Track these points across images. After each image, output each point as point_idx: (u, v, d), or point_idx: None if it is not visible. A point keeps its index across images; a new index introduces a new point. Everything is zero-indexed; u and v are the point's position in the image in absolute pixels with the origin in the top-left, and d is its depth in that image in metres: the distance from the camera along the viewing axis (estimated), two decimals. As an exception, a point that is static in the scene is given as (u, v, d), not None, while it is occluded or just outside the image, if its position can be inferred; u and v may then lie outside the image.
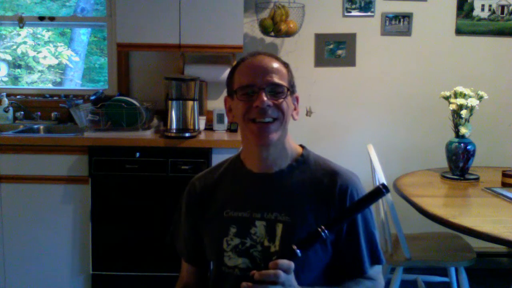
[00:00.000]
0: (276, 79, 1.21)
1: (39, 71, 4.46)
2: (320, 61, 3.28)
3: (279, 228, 1.21)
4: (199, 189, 1.35)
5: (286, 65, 1.28)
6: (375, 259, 1.25)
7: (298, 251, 1.06)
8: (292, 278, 1.08)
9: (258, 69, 1.22)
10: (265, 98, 1.18)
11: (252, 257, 1.22)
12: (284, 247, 1.18)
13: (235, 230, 1.24)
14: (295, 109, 1.30)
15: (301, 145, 1.35)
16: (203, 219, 1.32)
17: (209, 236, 1.30)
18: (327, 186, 1.23)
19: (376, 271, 1.27)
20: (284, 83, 1.23)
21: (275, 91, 1.21)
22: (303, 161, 1.29)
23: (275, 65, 1.24)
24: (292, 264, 1.06)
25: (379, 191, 1.10)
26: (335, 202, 1.21)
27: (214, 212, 1.30)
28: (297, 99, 1.31)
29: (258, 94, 1.19)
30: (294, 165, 1.28)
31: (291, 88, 1.26)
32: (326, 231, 1.07)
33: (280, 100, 1.21)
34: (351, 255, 1.23)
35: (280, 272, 1.04)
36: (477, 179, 2.54)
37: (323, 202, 1.22)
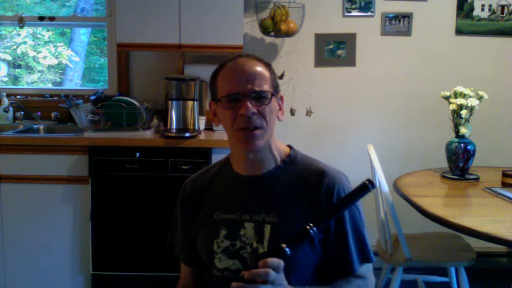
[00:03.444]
0: (259, 86, 1.20)
1: (39, 71, 4.47)
2: (320, 61, 3.28)
3: (267, 229, 1.21)
4: (189, 192, 1.36)
5: (268, 66, 1.27)
6: (365, 258, 1.25)
7: (287, 249, 1.05)
8: (282, 277, 1.07)
9: (241, 75, 1.21)
10: (249, 106, 1.18)
11: (242, 258, 1.22)
12: (272, 248, 1.17)
13: (225, 232, 1.25)
14: (280, 109, 1.29)
15: (288, 145, 1.35)
16: (195, 221, 1.33)
17: (200, 238, 1.31)
18: (314, 185, 1.23)
19: (366, 269, 1.27)
20: (267, 88, 1.22)
21: (259, 96, 1.20)
22: (290, 161, 1.29)
23: (258, 68, 1.23)
24: (281, 262, 1.05)
25: (365, 187, 1.10)
26: (322, 202, 1.21)
27: (205, 214, 1.30)
28: (281, 98, 1.30)
29: (242, 102, 1.19)
30: (281, 166, 1.28)
31: (275, 90, 1.25)
32: (314, 228, 1.07)
33: (264, 106, 1.21)
34: (339, 254, 1.23)
35: (270, 271, 1.03)
36: (477, 179, 2.54)
37: (310, 202, 1.22)
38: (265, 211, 1.23)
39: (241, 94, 1.20)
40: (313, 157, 1.33)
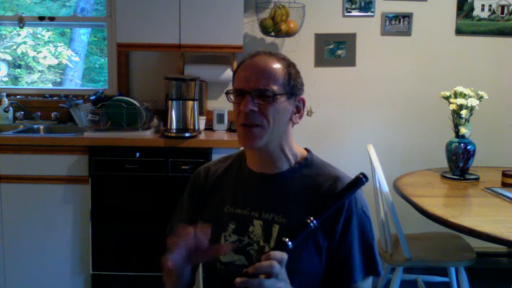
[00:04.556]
0: (265, 84, 1.19)
1: (39, 71, 4.46)
2: (320, 61, 3.28)
3: (275, 229, 1.21)
4: (203, 179, 1.36)
5: (287, 65, 1.25)
6: (372, 270, 1.22)
7: (289, 243, 1.05)
8: (284, 272, 1.06)
9: (251, 72, 1.21)
10: (248, 103, 1.18)
11: (248, 255, 1.22)
12: (274, 243, 1.17)
13: (234, 227, 1.25)
14: (298, 112, 1.27)
15: (306, 149, 1.34)
16: (203, 210, 1.32)
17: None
18: (326, 190, 1.22)
19: (368, 284, 1.24)
20: (275, 87, 1.20)
21: (263, 95, 1.19)
22: (306, 164, 1.28)
23: (270, 67, 1.21)
24: (285, 255, 1.04)
25: (359, 180, 1.15)
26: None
27: (215, 206, 1.30)
28: (302, 101, 1.28)
29: (244, 98, 1.19)
30: (296, 168, 1.27)
31: (290, 91, 1.23)
32: (314, 221, 1.08)
33: (268, 105, 1.19)
34: (341, 260, 1.20)
35: (275, 263, 1.02)
36: (477, 179, 2.54)
37: None
38: (275, 211, 1.22)
39: (244, 90, 1.20)
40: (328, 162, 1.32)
